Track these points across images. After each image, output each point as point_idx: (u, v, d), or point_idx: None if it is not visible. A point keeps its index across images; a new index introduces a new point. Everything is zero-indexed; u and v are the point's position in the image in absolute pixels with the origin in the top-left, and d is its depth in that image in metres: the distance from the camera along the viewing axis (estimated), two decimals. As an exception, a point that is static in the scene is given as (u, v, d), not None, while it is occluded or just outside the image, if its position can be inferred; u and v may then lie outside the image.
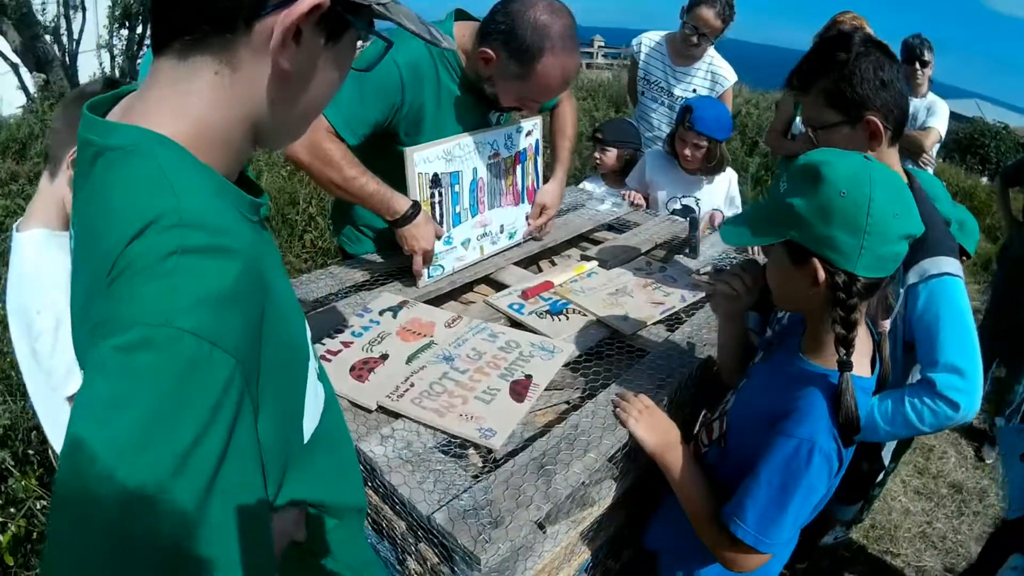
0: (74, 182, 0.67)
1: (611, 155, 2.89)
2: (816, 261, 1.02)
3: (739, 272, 1.30)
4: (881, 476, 2.20)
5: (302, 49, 0.65)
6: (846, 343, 1.04)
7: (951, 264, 1.35)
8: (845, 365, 1.04)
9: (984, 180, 9.57)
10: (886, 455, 1.89)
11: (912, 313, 1.37)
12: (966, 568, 2.45)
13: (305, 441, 0.74)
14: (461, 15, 1.80)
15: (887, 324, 1.20)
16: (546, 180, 2.16)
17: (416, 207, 1.72)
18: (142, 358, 0.50)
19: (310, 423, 0.75)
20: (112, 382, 0.51)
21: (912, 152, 3.28)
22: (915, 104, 3.55)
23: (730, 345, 1.40)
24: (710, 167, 2.57)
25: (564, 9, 1.62)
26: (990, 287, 3.94)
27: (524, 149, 2.00)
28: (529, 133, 2.01)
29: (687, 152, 2.53)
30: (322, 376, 0.84)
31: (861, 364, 1.11)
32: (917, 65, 3.48)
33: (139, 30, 7.76)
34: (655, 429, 1.27)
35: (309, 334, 0.80)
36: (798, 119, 3.13)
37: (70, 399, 1.33)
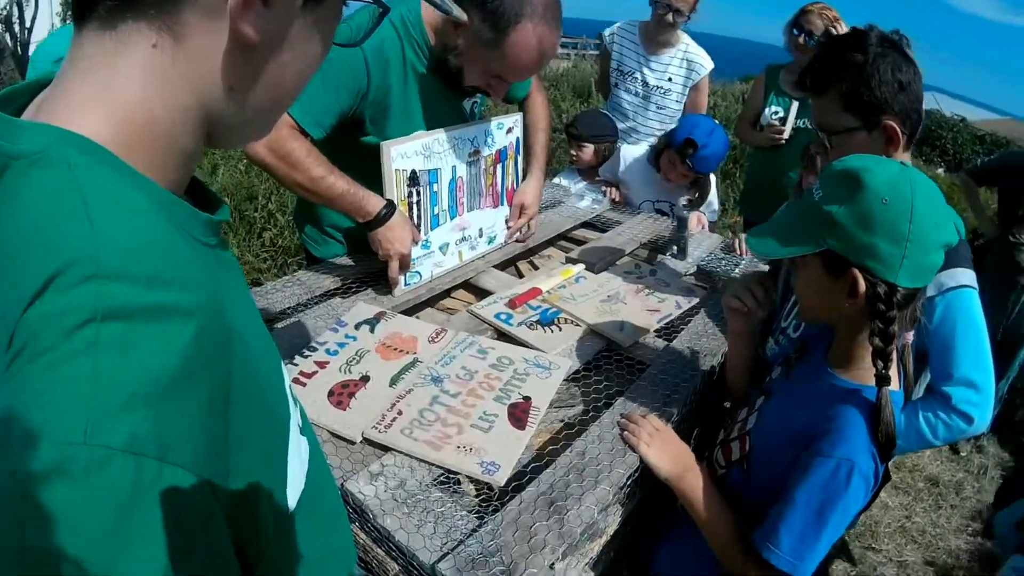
0: None
1: (588, 151, 2.77)
2: (856, 271, 0.98)
3: (751, 286, 1.23)
4: None
5: (272, 11, 0.49)
6: (884, 356, 0.99)
7: (967, 275, 1.31)
8: (884, 380, 1.00)
9: (941, 172, 9.82)
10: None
11: (928, 325, 1.32)
12: None
13: (290, 511, 0.59)
14: None
15: (911, 336, 1.14)
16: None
17: (391, 207, 1.58)
18: (56, 494, 0.35)
19: (295, 491, 0.60)
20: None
21: None
22: None
23: (740, 360, 1.34)
24: (697, 201, 2.47)
25: None
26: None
27: (504, 147, 1.88)
28: (510, 130, 1.89)
29: (672, 176, 2.43)
30: (305, 427, 0.69)
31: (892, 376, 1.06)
32: None
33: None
34: (668, 453, 1.18)
35: (288, 380, 0.64)
36: (767, 111, 3.08)
37: None
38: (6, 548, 0.36)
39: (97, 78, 0.47)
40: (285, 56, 0.53)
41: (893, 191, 0.94)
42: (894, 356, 1.03)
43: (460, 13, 0.67)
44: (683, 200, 2.36)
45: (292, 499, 0.60)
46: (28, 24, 6.52)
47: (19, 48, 6.73)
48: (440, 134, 1.66)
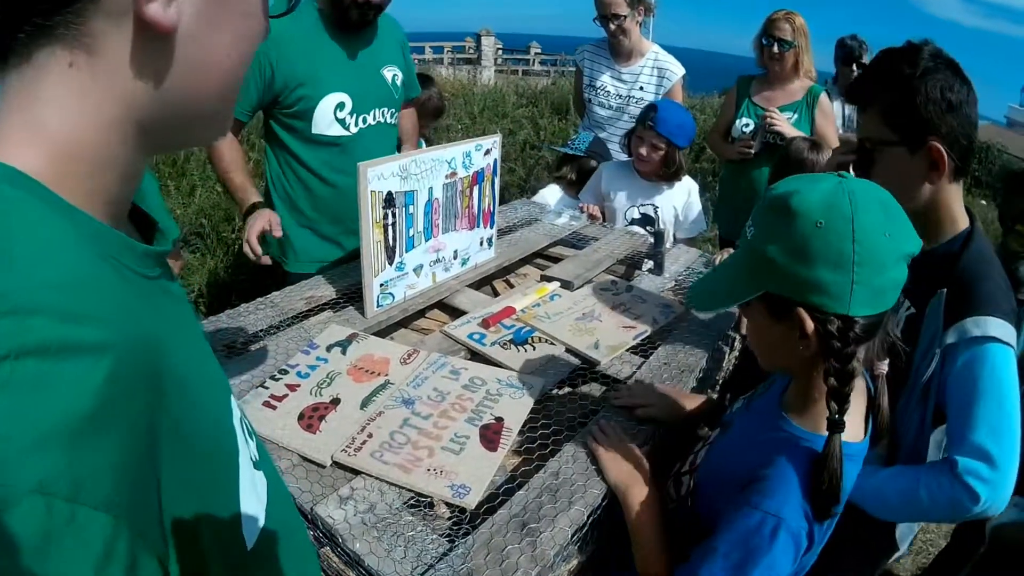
0: None
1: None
2: (800, 310, 0.87)
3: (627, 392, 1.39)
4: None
5: None
6: (840, 398, 0.88)
7: (1000, 328, 1.14)
8: (836, 425, 0.88)
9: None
10: (904, 539, 1.43)
11: (947, 377, 1.19)
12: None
13: (248, 549, 0.56)
14: None
15: (885, 366, 1.01)
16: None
17: (255, 207, 1.90)
18: None
19: (252, 528, 0.57)
20: None
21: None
22: (851, 107, 3.60)
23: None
24: (668, 174, 2.49)
25: None
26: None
27: (482, 169, 1.88)
28: (488, 152, 1.89)
29: (643, 151, 2.45)
30: (262, 462, 0.65)
31: (853, 424, 0.94)
32: (854, 67, 3.52)
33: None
34: (624, 464, 1.16)
35: (238, 415, 0.61)
36: (738, 122, 3.10)
37: None
38: None
39: (23, 109, 0.46)
40: (209, 37, 0.50)
41: (828, 210, 0.83)
42: (854, 398, 0.91)
43: None
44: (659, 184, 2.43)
45: (250, 537, 0.57)
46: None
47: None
48: (417, 155, 1.65)
